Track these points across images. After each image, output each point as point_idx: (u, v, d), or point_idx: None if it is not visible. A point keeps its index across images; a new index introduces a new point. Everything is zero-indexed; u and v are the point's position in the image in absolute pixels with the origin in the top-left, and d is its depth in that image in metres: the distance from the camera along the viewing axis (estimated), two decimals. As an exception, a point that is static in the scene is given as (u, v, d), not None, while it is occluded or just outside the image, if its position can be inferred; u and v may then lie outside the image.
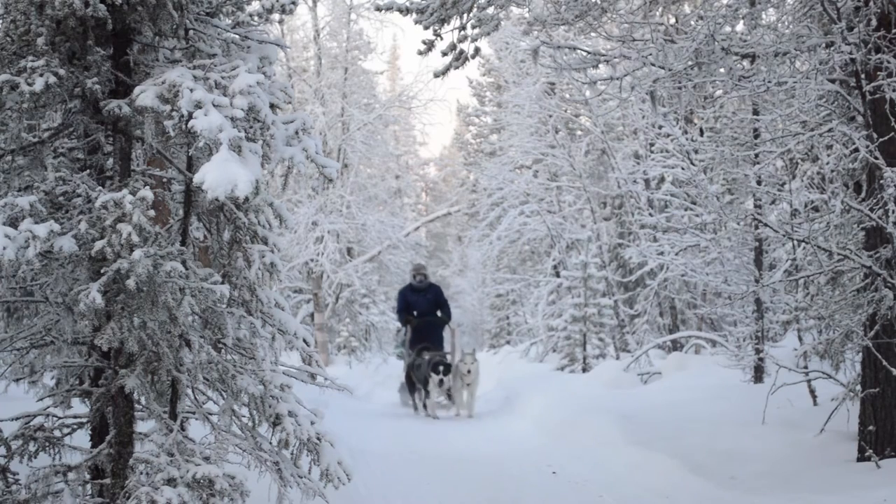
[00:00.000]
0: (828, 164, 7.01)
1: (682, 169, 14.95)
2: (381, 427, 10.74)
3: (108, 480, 4.35)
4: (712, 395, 10.10)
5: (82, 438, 4.59)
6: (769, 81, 7.07)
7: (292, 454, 4.53)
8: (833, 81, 6.84)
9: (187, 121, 3.92)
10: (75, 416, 4.59)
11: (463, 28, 7.67)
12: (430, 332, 14.35)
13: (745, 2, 7.92)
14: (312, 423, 4.58)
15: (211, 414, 4.56)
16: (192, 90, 3.95)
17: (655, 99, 8.63)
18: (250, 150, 4.01)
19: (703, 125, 13.96)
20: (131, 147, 4.39)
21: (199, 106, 3.92)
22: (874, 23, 6.50)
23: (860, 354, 7.04)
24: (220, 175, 3.82)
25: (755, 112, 9.64)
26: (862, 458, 6.72)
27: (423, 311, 14.50)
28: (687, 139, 13.20)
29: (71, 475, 4.38)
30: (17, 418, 4.47)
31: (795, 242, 8.33)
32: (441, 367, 11.52)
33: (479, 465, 7.95)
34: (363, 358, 22.02)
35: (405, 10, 7.66)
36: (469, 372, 11.63)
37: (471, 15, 7.63)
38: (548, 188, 21.84)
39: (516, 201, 22.53)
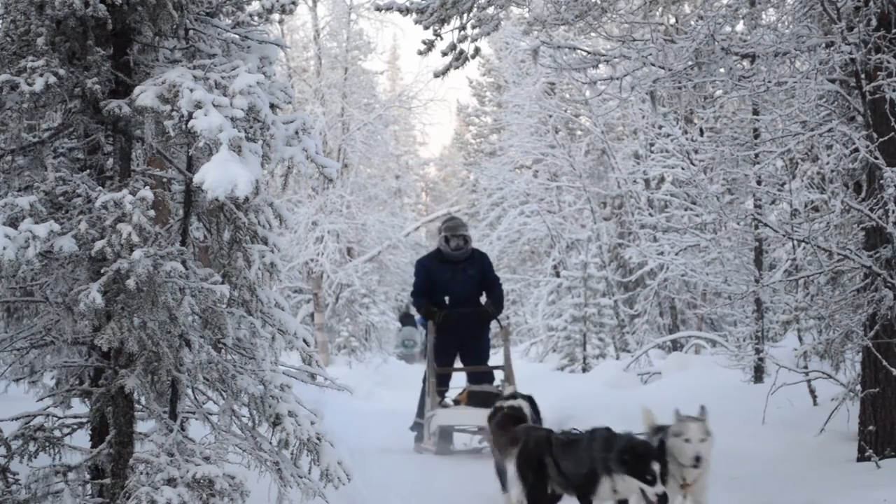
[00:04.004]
0: (828, 164, 7.01)
1: (682, 169, 14.96)
2: (381, 427, 10.74)
3: (108, 480, 4.35)
4: (712, 395, 10.06)
5: (82, 438, 4.58)
6: (769, 81, 7.07)
7: (292, 454, 4.53)
8: (833, 81, 6.84)
9: (187, 121, 3.92)
10: (75, 416, 4.59)
11: (463, 28, 7.68)
12: (467, 334, 9.04)
13: (745, 2, 7.93)
14: (312, 423, 4.58)
15: (211, 414, 4.56)
16: (192, 90, 3.95)
17: (655, 99, 8.63)
18: (250, 150, 4.01)
19: (703, 125, 13.97)
20: (131, 147, 4.39)
21: (199, 106, 3.92)
22: (874, 23, 6.50)
23: (860, 354, 7.04)
24: (220, 175, 3.82)
25: (755, 112, 9.64)
26: (862, 458, 6.71)
27: (460, 296, 9.04)
28: (687, 139, 13.21)
29: (71, 475, 4.38)
30: (17, 418, 4.47)
31: (795, 242, 8.32)
32: (652, 460, 4.81)
33: (480, 465, 7.94)
34: (363, 358, 22.01)
35: (405, 10, 7.67)
36: (697, 461, 5.12)
37: (471, 15, 7.64)
38: (548, 188, 21.86)
39: (516, 201, 22.55)
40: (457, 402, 8.76)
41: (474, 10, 7.62)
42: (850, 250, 6.68)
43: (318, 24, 21.92)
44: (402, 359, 21.73)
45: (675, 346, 16.21)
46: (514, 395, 6.90)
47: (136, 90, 4.10)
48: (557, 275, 20.95)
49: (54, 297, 4.37)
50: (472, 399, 8.51)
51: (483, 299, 9.27)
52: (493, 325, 9.50)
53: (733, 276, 11.56)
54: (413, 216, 31.77)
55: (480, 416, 7.72)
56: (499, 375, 9.08)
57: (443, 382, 9.08)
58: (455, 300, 9.07)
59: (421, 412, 9.18)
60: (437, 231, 9.66)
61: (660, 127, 15.22)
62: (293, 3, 4.65)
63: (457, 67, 7.86)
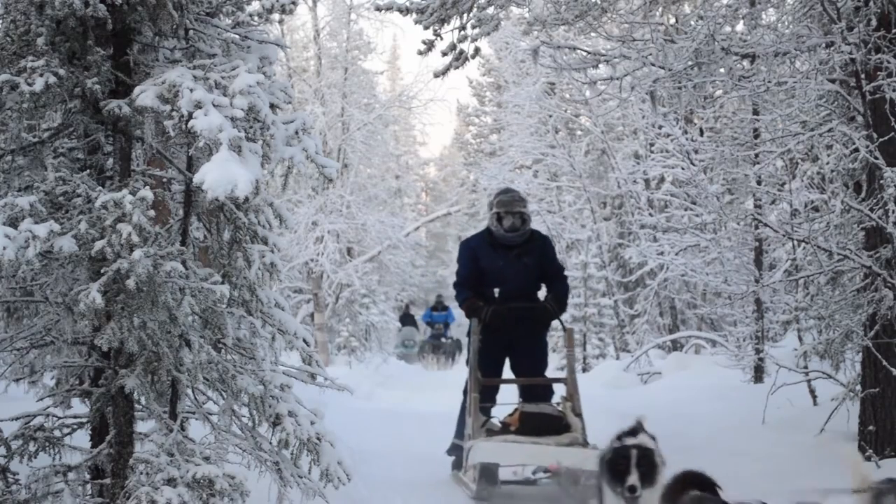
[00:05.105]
0: (828, 164, 7.01)
1: (682, 169, 14.95)
2: (381, 427, 10.73)
3: (108, 480, 4.35)
4: (712, 395, 10.09)
5: (82, 438, 4.58)
6: (769, 81, 7.07)
7: (292, 454, 4.53)
8: (833, 81, 6.84)
9: (187, 121, 3.92)
10: (75, 416, 4.59)
11: (463, 28, 7.68)
12: (520, 336, 7.18)
13: (745, 2, 7.93)
14: (312, 423, 4.58)
15: (211, 414, 4.56)
16: (192, 90, 3.95)
17: (655, 99, 8.63)
18: (250, 150, 4.01)
19: (703, 125, 13.97)
20: (131, 147, 4.39)
21: (199, 106, 3.92)
22: (874, 23, 6.49)
23: (860, 354, 7.04)
24: (220, 175, 3.82)
25: (755, 112, 9.64)
26: (862, 458, 6.71)
27: (513, 289, 7.17)
28: (687, 139, 13.21)
29: (71, 475, 4.38)
30: (17, 418, 4.47)
31: (795, 242, 8.32)
32: None
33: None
34: (363, 358, 22.00)
35: (405, 10, 7.67)
36: None
37: (471, 15, 7.64)
38: (548, 188, 21.85)
39: (516, 201, 22.52)
40: (505, 424, 6.78)
41: (474, 10, 7.62)
42: (850, 250, 6.68)
43: (318, 24, 21.92)
44: (402, 359, 21.74)
45: (675, 346, 16.21)
46: (636, 430, 4.92)
47: (136, 90, 4.10)
48: (557, 275, 20.95)
49: (54, 297, 4.37)
50: (527, 423, 6.57)
51: (542, 294, 7.47)
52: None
53: (733, 276, 11.57)
54: (413, 216, 31.73)
55: (538, 453, 6.27)
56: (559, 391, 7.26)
57: (488, 396, 7.11)
58: (506, 294, 7.12)
59: (461, 432, 7.17)
60: (487, 206, 7.54)
61: (660, 127, 15.21)
62: (293, 3, 4.65)
63: (457, 67, 7.86)
